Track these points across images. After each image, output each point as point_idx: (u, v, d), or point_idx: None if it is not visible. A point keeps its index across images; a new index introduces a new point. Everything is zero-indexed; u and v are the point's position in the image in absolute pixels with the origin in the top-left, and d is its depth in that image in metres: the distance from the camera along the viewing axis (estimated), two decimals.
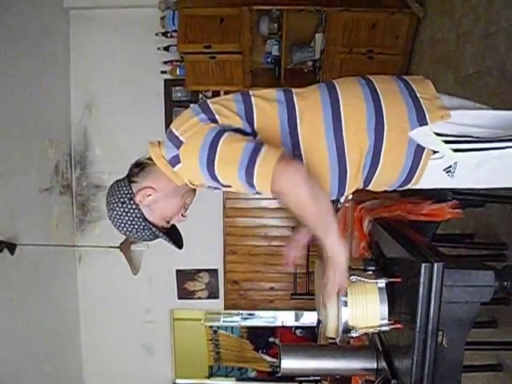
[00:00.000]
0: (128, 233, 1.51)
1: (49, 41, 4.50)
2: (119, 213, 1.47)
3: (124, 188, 1.47)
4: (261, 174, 1.23)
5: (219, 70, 4.24)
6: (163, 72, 4.68)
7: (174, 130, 1.38)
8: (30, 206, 4.18)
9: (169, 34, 4.44)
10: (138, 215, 1.47)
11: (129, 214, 1.47)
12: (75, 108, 4.98)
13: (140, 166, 1.49)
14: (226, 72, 4.24)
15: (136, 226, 1.48)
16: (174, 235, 1.61)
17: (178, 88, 4.80)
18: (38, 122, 4.27)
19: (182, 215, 1.55)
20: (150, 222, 1.49)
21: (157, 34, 4.49)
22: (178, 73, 4.55)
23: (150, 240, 1.56)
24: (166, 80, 4.80)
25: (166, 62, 4.64)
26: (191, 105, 1.46)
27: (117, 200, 1.47)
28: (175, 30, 4.33)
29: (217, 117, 1.35)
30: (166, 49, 4.52)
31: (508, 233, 2.57)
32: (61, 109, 4.84)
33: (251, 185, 1.28)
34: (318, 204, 1.25)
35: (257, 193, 1.34)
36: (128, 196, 1.46)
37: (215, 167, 1.30)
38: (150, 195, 1.46)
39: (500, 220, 2.65)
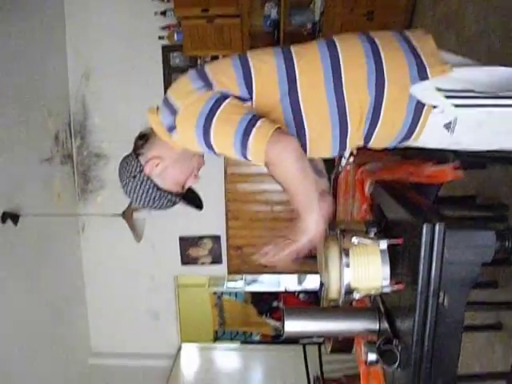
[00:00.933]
0: (146, 204, 1.52)
1: (43, 10, 4.44)
2: (133, 187, 1.49)
3: (132, 162, 1.48)
4: (255, 147, 1.25)
5: (217, 35, 4.18)
6: (161, 38, 4.62)
7: (170, 98, 1.38)
8: (32, 177, 4.19)
9: None
10: (152, 185, 1.48)
11: (142, 187, 1.48)
12: (73, 77, 4.94)
13: (144, 138, 1.50)
14: (224, 36, 4.18)
15: (152, 197, 1.50)
16: (191, 198, 1.62)
17: (175, 54, 4.74)
18: (35, 92, 4.24)
19: (195, 176, 1.55)
20: (164, 190, 1.50)
21: None
22: (175, 38, 4.48)
23: (169, 207, 1.57)
24: (163, 46, 4.74)
25: (163, 28, 4.57)
26: (189, 70, 1.44)
27: (128, 175, 1.48)
28: None
29: (214, 83, 1.35)
30: (163, 13, 4.46)
31: (509, 194, 2.57)
32: (58, 78, 4.80)
33: (244, 154, 1.29)
34: (305, 180, 1.27)
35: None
36: (138, 169, 1.47)
37: (211, 138, 1.31)
38: (158, 164, 1.47)
39: (502, 182, 2.65)
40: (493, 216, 2.59)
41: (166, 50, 4.76)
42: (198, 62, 4.62)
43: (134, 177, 1.47)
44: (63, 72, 4.87)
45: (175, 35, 4.47)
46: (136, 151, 1.49)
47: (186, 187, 1.57)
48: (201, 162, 1.56)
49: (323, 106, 1.37)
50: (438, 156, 1.60)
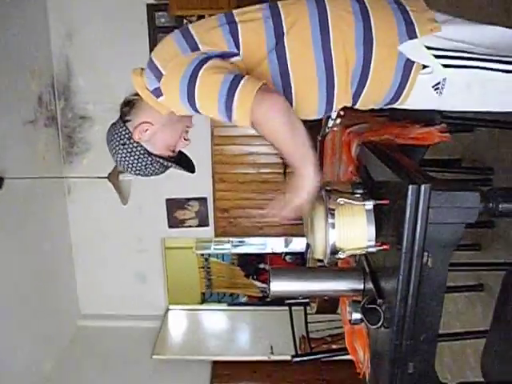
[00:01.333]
0: (138, 171, 1.51)
1: None
2: (123, 155, 1.47)
3: (120, 129, 1.46)
4: (239, 107, 1.22)
5: None
6: None
7: (154, 60, 1.35)
8: (16, 140, 4.13)
9: None
10: (142, 151, 1.46)
11: (133, 153, 1.46)
12: (55, 37, 4.81)
13: (129, 104, 1.47)
14: None
15: (143, 163, 1.48)
16: (183, 161, 1.61)
17: (161, 13, 4.64)
18: (16, 53, 4.14)
19: (184, 139, 1.54)
20: (155, 155, 1.48)
21: None
22: None
23: (162, 172, 1.56)
24: (148, 5, 4.63)
25: None
26: (175, 30, 1.41)
27: (117, 143, 1.46)
28: None
29: (199, 45, 1.32)
30: None
31: (495, 158, 2.59)
32: (40, 38, 4.67)
33: (229, 116, 1.26)
34: (295, 135, 1.24)
35: None
36: (127, 136, 1.45)
37: (196, 101, 1.28)
38: (147, 130, 1.45)
39: (487, 145, 2.66)
40: (478, 179, 2.61)
41: (152, 9, 4.65)
42: (184, 21, 4.52)
43: (124, 144, 1.45)
44: (45, 32, 4.73)
45: None
46: (123, 118, 1.47)
47: (177, 150, 1.56)
48: (190, 123, 1.55)
49: (310, 63, 1.36)
50: (425, 118, 1.60)
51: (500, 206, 1.23)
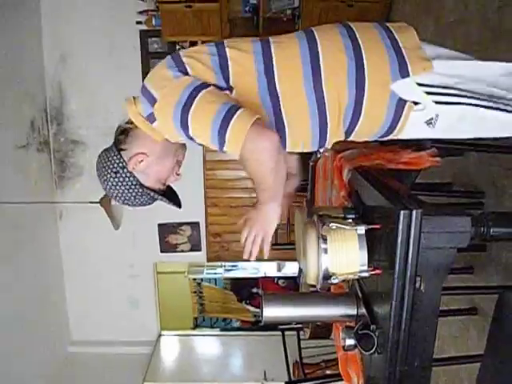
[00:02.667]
0: (126, 201, 1.50)
1: None
2: (114, 183, 1.45)
3: (115, 157, 1.44)
4: (232, 139, 1.23)
5: (196, 20, 4.13)
6: (138, 22, 4.56)
7: (147, 86, 1.35)
8: (8, 164, 4.12)
9: None
10: (134, 182, 1.46)
11: (124, 183, 1.45)
12: (49, 62, 4.84)
13: (125, 133, 1.46)
14: (203, 22, 4.13)
15: (134, 194, 1.48)
16: (170, 195, 1.61)
17: (154, 39, 4.69)
18: (10, 76, 4.16)
19: (176, 174, 1.54)
20: (147, 187, 1.48)
21: None
22: (153, 23, 4.43)
23: (149, 204, 1.55)
24: (141, 31, 4.68)
25: (141, 12, 4.50)
26: (167, 57, 1.42)
27: (109, 171, 1.45)
28: None
29: (190, 72, 1.32)
30: None
31: (485, 181, 2.61)
32: (33, 62, 4.70)
33: (222, 147, 1.27)
34: (277, 176, 1.29)
35: None
36: (120, 165, 1.44)
37: (189, 128, 1.28)
38: (142, 161, 1.44)
39: (478, 169, 2.68)
40: (469, 202, 2.62)
41: (144, 35, 4.70)
42: (177, 47, 4.57)
43: (116, 173, 1.44)
44: (39, 56, 4.77)
45: (153, 20, 4.42)
46: (118, 146, 1.46)
47: (167, 184, 1.56)
48: (182, 157, 1.55)
49: (302, 101, 1.36)
50: (416, 143, 1.61)
51: (491, 230, 1.23)
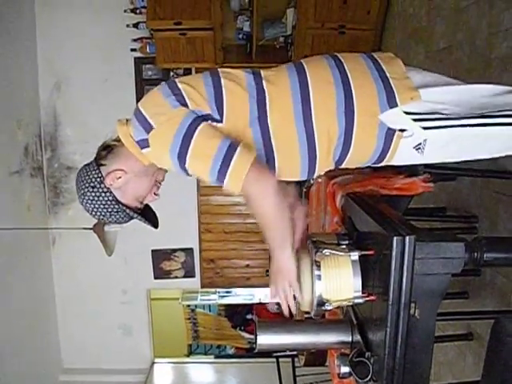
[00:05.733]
0: (102, 217, 1.49)
1: (14, 19, 4.38)
2: (90, 198, 1.45)
3: (93, 172, 1.44)
4: (233, 178, 1.25)
5: (190, 47, 4.17)
6: (133, 50, 4.60)
7: (143, 111, 1.34)
8: (1, 190, 4.11)
9: (138, 11, 4.35)
10: (110, 198, 1.45)
11: (100, 198, 1.44)
12: (43, 88, 4.87)
13: (108, 149, 1.47)
14: (196, 49, 4.17)
15: (109, 210, 1.46)
16: (148, 215, 1.59)
17: (148, 66, 4.73)
18: (4, 102, 4.17)
19: (154, 194, 1.53)
20: (123, 204, 1.47)
21: (125, 11, 4.39)
22: (148, 50, 4.47)
23: (125, 222, 1.54)
24: (136, 58, 4.72)
25: (135, 40, 4.55)
26: (161, 84, 1.43)
27: (87, 185, 1.44)
28: (144, 6, 4.24)
29: (187, 100, 1.32)
30: (136, 26, 4.44)
31: (479, 205, 2.62)
32: (28, 88, 4.73)
33: (221, 184, 1.28)
34: (281, 218, 1.30)
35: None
36: (98, 180, 1.43)
37: (187, 161, 1.29)
38: (120, 177, 1.44)
39: (471, 193, 2.70)
40: (463, 227, 2.63)
41: (139, 62, 4.74)
42: (171, 74, 4.61)
43: (93, 187, 1.43)
44: (34, 83, 4.79)
45: (148, 47, 4.46)
46: (97, 161, 1.46)
47: (144, 203, 1.55)
48: (162, 178, 1.55)
49: (292, 132, 1.38)
50: (408, 169, 1.62)
51: (485, 255, 1.24)
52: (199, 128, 1.27)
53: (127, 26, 4.45)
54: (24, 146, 4.60)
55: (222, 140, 1.26)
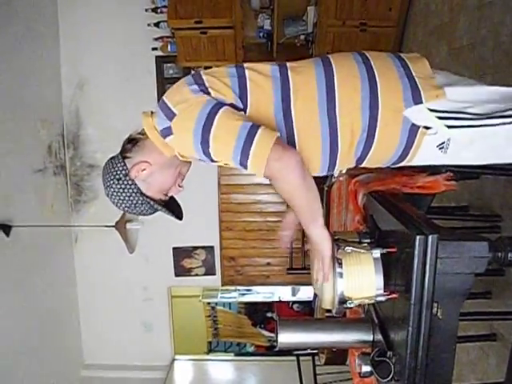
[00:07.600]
0: (127, 209, 1.51)
1: (37, 20, 4.45)
2: (116, 190, 1.47)
3: (118, 165, 1.47)
4: (256, 157, 1.23)
5: (211, 46, 4.19)
6: (154, 49, 4.63)
7: (166, 101, 1.36)
8: (24, 188, 4.18)
9: (159, 10, 4.39)
10: (135, 190, 1.47)
11: (126, 190, 1.46)
12: (66, 87, 4.94)
13: (133, 142, 1.49)
14: (217, 47, 4.19)
15: (134, 202, 1.48)
16: (172, 207, 1.60)
17: (169, 65, 4.76)
18: (28, 102, 4.24)
19: (179, 185, 1.54)
20: (147, 196, 1.49)
21: (146, 10, 4.44)
22: (169, 49, 4.50)
23: (150, 214, 1.56)
24: (157, 57, 4.75)
25: (156, 39, 4.59)
26: (188, 75, 1.44)
27: (112, 177, 1.46)
28: (165, 5, 4.28)
29: (209, 89, 1.33)
30: (157, 25, 4.47)
31: (502, 204, 2.58)
32: (51, 88, 4.80)
33: (244, 165, 1.27)
34: (308, 193, 1.27)
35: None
36: (123, 172, 1.46)
37: (210, 144, 1.28)
38: (144, 169, 1.45)
39: (494, 192, 2.66)
40: (486, 226, 2.60)
41: (160, 61, 4.78)
42: (192, 72, 4.63)
43: (119, 179, 1.46)
44: (57, 82, 4.86)
45: (169, 46, 4.49)
46: (123, 154, 1.48)
47: (169, 195, 1.56)
48: (186, 171, 1.56)
49: (315, 125, 1.37)
50: (431, 167, 1.61)
51: (509, 255, 1.22)
52: (221, 111, 1.27)
53: (148, 25, 4.49)
54: (47, 145, 4.67)
55: (244, 121, 1.26)
